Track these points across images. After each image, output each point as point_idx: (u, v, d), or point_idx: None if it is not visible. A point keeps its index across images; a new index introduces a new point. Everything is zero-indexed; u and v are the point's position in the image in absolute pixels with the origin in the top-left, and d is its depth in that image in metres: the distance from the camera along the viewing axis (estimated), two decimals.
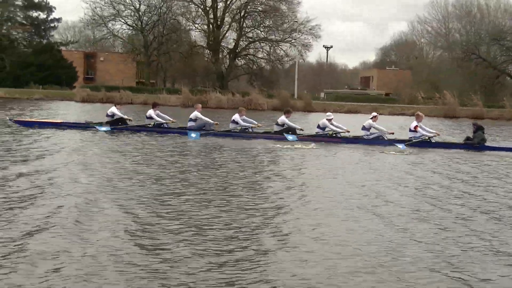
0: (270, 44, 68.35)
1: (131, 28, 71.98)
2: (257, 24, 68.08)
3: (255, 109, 48.42)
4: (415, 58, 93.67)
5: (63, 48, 76.26)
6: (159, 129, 19.13)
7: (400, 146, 16.96)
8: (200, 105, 20.21)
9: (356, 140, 18.25)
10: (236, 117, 18.95)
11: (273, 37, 68.27)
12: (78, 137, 16.88)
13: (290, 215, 7.56)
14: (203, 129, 18.72)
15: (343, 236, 6.59)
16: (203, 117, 19.03)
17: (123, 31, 72.83)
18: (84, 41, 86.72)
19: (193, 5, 69.14)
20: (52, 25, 74.79)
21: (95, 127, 18.88)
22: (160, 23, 69.36)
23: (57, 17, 75.44)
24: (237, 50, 68.98)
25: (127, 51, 73.54)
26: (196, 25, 69.97)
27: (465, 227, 7.22)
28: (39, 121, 20.75)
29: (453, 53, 77.77)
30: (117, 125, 19.07)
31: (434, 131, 18.43)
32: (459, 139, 20.51)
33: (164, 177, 10.32)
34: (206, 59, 70.53)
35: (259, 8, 67.02)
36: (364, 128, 18.50)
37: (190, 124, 18.91)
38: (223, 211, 7.59)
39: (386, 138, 18.17)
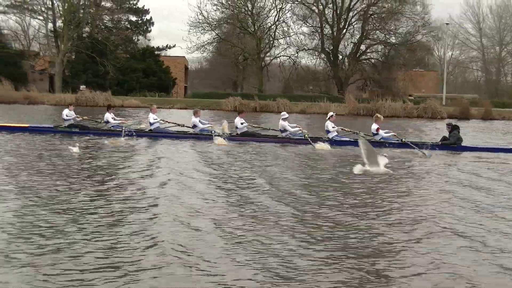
0: (389, 48, 65.23)
1: (242, 31, 68.48)
2: (379, 26, 64.90)
3: (432, 117, 45.32)
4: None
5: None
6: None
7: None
8: (155, 106, 20.00)
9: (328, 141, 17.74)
10: (195, 120, 18.83)
11: (393, 39, 65.24)
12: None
13: None
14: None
15: None
16: (153, 116, 18.95)
17: (229, 35, 69.28)
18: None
19: (305, 6, 66.02)
20: (148, 28, 71.06)
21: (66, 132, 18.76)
22: (273, 27, 66.38)
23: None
24: (358, 54, 65.78)
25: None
26: (311, 28, 66.59)
27: None
28: (4, 126, 19.54)
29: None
30: (82, 128, 19.18)
31: (392, 133, 18.16)
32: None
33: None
34: (319, 63, 67.56)
35: (383, 7, 63.91)
36: (327, 131, 18.32)
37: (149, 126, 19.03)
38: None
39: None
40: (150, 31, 71.60)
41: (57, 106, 46.48)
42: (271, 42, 68.12)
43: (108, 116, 19.08)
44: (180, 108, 50.02)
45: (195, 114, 18.91)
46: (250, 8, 67.13)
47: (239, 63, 70.83)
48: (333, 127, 18.27)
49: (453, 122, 19.55)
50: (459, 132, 17.83)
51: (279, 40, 68.62)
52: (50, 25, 69.27)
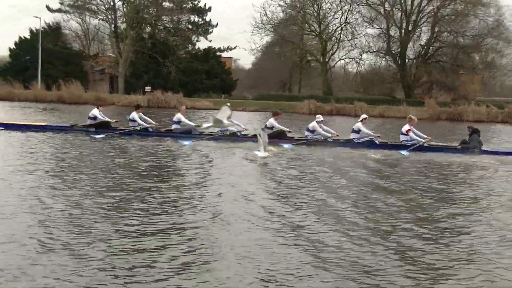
0: (458, 50, 63.36)
1: (307, 33, 67.60)
2: (449, 29, 63.12)
3: None
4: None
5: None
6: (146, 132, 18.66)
7: (404, 152, 16.38)
8: (183, 108, 19.74)
9: (347, 143, 17.69)
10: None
11: (461, 41, 63.32)
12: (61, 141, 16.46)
13: None
14: (189, 132, 18.44)
15: None
16: (186, 121, 18.70)
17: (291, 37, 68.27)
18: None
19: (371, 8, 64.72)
20: (209, 30, 70.27)
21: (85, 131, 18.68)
22: (338, 29, 65.37)
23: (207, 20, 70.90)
24: (426, 57, 64.18)
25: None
26: (377, 30, 65.38)
27: None
28: (22, 124, 19.64)
29: None
30: (103, 127, 18.77)
31: (425, 136, 17.58)
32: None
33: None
34: (384, 66, 66.21)
35: (455, 10, 62.20)
36: (353, 131, 17.82)
37: (174, 126, 18.68)
38: None
39: (377, 142, 17.76)
40: (211, 32, 70.64)
41: (129, 107, 45.91)
42: (337, 44, 66.96)
43: (135, 115, 18.81)
44: (252, 111, 49.16)
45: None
46: (316, 10, 66.05)
47: (301, 65, 69.71)
48: (359, 130, 17.74)
49: (474, 126, 19.35)
50: (479, 136, 17.55)
51: (344, 42, 67.49)
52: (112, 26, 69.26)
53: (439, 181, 11.75)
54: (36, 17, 66.16)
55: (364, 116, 18.37)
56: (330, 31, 67.07)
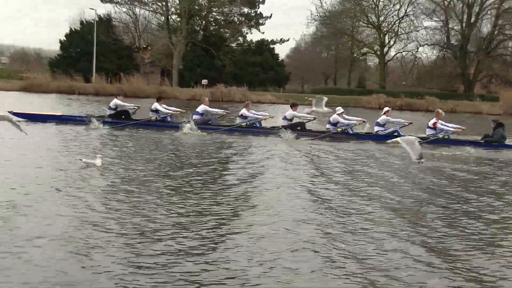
0: None
1: (365, 25, 66.51)
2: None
3: None
4: None
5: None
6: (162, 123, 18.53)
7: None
8: (207, 99, 19.91)
9: (368, 136, 17.80)
10: (243, 111, 18.67)
11: None
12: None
13: None
14: (208, 123, 18.42)
15: None
16: (209, 109, 19.00)
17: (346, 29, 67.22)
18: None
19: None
20: (262, 22, 69.19)
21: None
22: (400, 21, 64.09)
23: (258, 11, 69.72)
24: (488, 50, 62.59)
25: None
26: (435, 22, 64.04)
27: None
28: (39, 114, 19.45)
29: None
30: (119, 117, 18.49)
31: (458, 126, 17.58)
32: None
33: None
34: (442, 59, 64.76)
35: None
36: (378, 124, 17.79)
37: (195, 117, 18.46)
38: None
39: (402, 134, 16.97)
40: (263, 23, 69.46)
41: (192, 101, 44.98)
42: (395, 36, 65.72)
43: (157, 105, 18.77)
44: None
45: (247, 106, 18.92)
46: (374, 2, 64.91)
47: (354, 58, 68.60)
48: (388, 122, 17.83)
49: (498, 119, 18.89)
50: (504, 130, 17.35)
51: (400, 35, 66.22)
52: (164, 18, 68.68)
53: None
54: (92, 8, 64.72)
55: (386, 108, 18.77)
56: (388, 23, 65.82)
